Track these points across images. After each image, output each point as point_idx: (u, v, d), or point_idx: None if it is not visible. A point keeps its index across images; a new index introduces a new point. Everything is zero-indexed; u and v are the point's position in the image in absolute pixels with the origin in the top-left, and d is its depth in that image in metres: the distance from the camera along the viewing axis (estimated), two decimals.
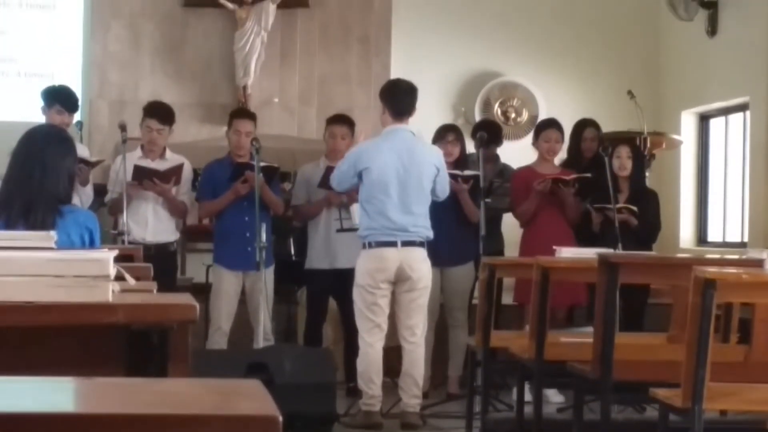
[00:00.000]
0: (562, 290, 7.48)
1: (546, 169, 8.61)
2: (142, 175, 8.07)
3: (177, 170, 8.20)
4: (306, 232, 8.81)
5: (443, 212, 8.12)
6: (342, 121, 8.61)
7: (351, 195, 8.04)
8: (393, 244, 7.40)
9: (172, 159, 8.33)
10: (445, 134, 8.57)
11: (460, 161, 8.51)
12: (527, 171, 8.68)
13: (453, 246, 8.34)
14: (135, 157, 8.20)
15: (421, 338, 7.55)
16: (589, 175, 8.55)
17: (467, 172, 8.34)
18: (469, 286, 8.64)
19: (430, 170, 7.50)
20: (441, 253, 8.10)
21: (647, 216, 8.48)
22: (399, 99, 7.54)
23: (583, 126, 9.20)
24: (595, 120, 9.27)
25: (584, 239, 8.25)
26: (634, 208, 8.35)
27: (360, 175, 7.46)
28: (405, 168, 7.41)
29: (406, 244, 7.41)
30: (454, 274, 8.52)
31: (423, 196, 7.48)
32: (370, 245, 7.44)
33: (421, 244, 7.47)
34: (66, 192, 4.66)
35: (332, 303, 8.63)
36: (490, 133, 8.88)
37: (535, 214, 8.54)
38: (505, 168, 9.13)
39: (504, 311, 8.28)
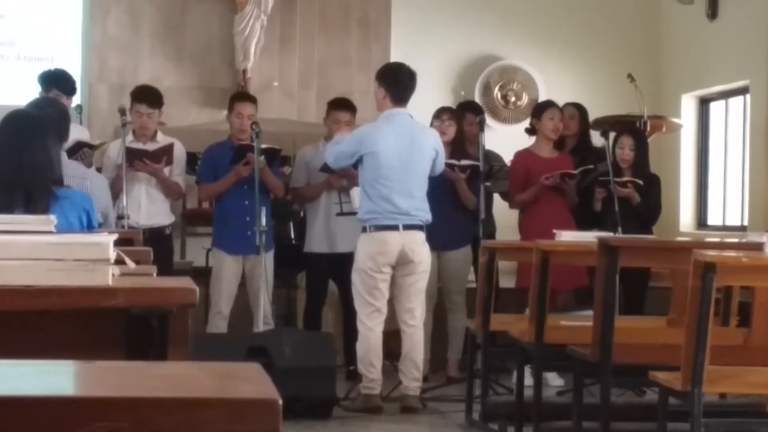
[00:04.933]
0: (564, 273, 7.49)
1: (545, 151, 8.59)
2: (132, 157, 8.07)
3: (167, 150, 8.19)
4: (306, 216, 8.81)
5: (440, 197, 8.13)
6: (345, 107, 8.55)
7: (352, 178, 8.02)
8: (395, 227, 7.41)
9: (163, 141, 8.32)
10: (440, 114, 8.58)
11: (456, 142, 8.51)
12: (527, 155, 8.66)
13: (450, 230, 8.35)
14: (126, 141, 8.19)
15: (420, 321, 7.56)
16: (593, 166, 8.57)
17: (464, 162, 8.34)
18: (467, 270, 8.65)
19: (430, 153, 7.55)
20: (438, 237, 8.10)
21: (649, 199, 8.48)
22: (403, 85, 7.55)
23: (565, 106, 9.12)
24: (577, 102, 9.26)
25: (585, 221, 8.25)
26: (640, 182, 8.35)
27: (361, 159, 7.47)
28: (408, 152, 7.43)
29: (407, 227, 7.42)
30: (451, 258, 8.52)
31: (423, 180, 7.51)
32: (371, 229, 7.44)
33: (420, 228, 7.49)
34: (58, 174, 4.63)
35: (332, 286, 8.63)
36: (479, 113, 8.88)
37: (535, 199, 8.54)
38: (491, 153, 9.02)
39: (501, 295, 8.27)
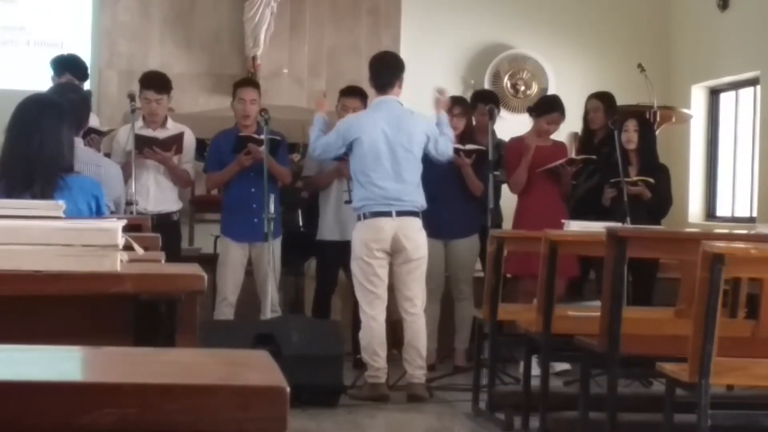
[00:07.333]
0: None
1: (539, 140, 8.57)
2: (141, 144, 8.08)
3: (177, 138, 8.20)
4: (314, 203, 8.81)
5: (447, 185, 8.11)
6: (355, 94, 8.55)
7: None
8: (388, 213, 7.42)
9: (173, 128, 8.33)
10: (450, 107, 8.52)
11: (466, 134, 8.48)
12: (520, 143, 8.63)
13: (457, 219, 8.35)
14: (137, 128, 8.20)
15: (421, 309, 7.57)
16: (594, 157, 8.53)
17: (469, 146, 8.32)
18: (474, 259, 8.64)
19: (421, 138, 7.55)
20: (446, 225, 8.10)
21: (658, 191, 8.45)
22: (380, 73, 7.60)
23: (588, 99, 9.13)
24: (607, 92, 9.19)
25: (594, 213, 8.23)
26: (651, 180, 8.32)
27: (350, 147, 7.48)
28: (395, 137, 7.45)
29: (400, 213, 7.43)
30: (458, 247, 8.51)
31: (415, 165, 7.51)
32: (365, 216, 7.45)
33: (416, 214, 7.48)
34: (68, 160, 4.61)
35: (341, 274, 8.64)
36: (495, 103, 8.85)
37: (529, 187, 8.51)
38: (501, 143, 9.00)
39: (506, 284, 8.25)
